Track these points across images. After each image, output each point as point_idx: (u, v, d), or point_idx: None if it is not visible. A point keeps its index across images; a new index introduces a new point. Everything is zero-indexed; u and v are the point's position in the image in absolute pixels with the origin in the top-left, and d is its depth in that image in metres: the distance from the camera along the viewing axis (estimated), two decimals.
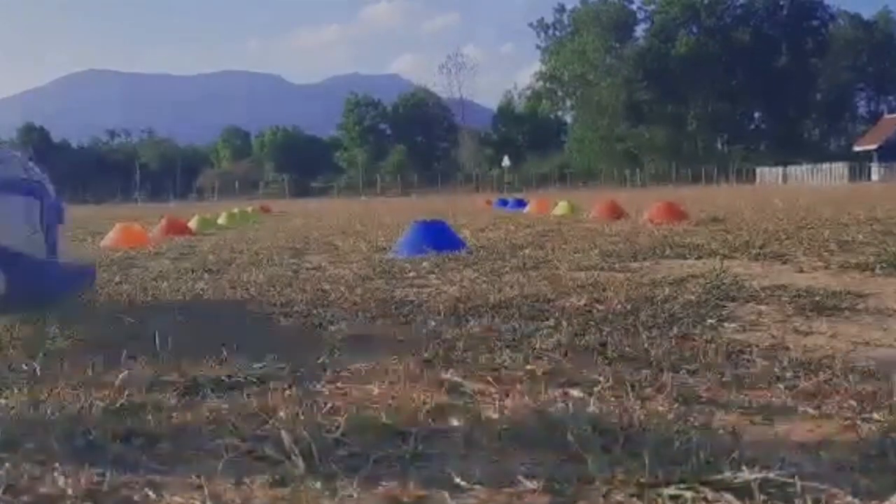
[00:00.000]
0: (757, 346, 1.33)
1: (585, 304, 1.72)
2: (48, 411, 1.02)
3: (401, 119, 68.13)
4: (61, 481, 0.80)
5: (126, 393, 1.10)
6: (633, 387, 1.07)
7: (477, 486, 0.77)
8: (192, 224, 6.36)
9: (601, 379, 1.11)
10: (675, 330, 1.47)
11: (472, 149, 64.42)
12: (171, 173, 63.20)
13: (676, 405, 0.99)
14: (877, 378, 1.09)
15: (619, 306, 1.68)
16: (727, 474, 0.75)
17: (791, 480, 0.74)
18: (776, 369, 1.16)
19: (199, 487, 0.78)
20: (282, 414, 0.97)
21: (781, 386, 1.08)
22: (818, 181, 40.40)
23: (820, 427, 0.92)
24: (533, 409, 0.96)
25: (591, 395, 1.04)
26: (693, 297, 1.80)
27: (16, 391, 1.15)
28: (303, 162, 65.33)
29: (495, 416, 0.94)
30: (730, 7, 60.88)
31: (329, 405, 1.02)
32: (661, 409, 0.96)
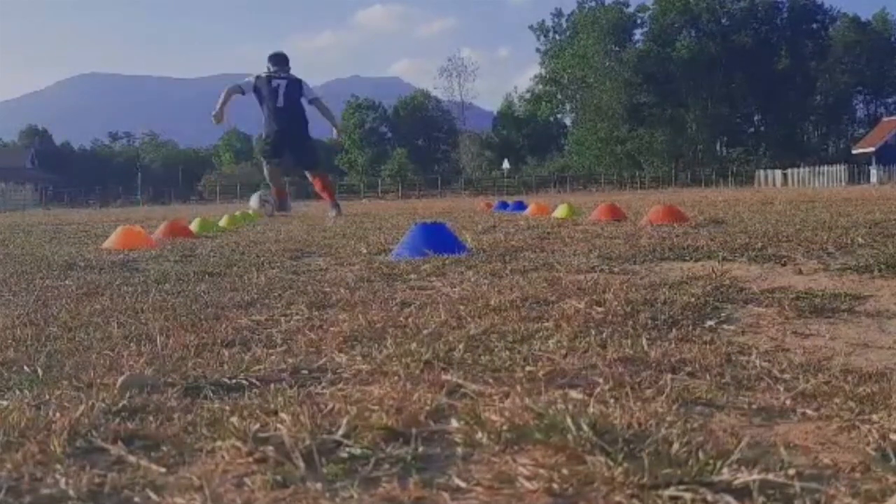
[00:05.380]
0: (756, 348, 1.33)
1: (585, 306, 1.72)
2: (50, 413, 1.02)
3: (401, 122, 68.17)
4: (63, 483, 0.80)
5: (127, 394, 1.10)
6: (632, 388, 1.08)
7: (477, 488, 0.77)
8: (194, 226, 6.35)
9: (601, 380, 1.12)
10: (675, 332, 1.47)
11: (472, 152, 64.42)
12: (172, 176, 63.29)
13: (676, 407, 0.99)
14: (876, 380, 1.10)
15: (618, 308, 1.69)
16: (727, 476, 0.75)
17: (790, 482, 0.74)
18: (776, 371, 1.16)
19: (200, 489, 0.78)
20: (283, 415, 0.97)
21: (781, 388, 1.08)
22: (817, 184, 40.42)
23: (819, 429, 0.93)
24: (533, 411, 0.96)
25: (591, 396, 1.04)
26: (692, 300, 1.80)
27: (17, 392, 1.15)
28: None
29: (495, 417, 0.95)
30: (729, 10, 60.94)
31: (330, 406, 1.03)
32: (660, 410, 0.97)
